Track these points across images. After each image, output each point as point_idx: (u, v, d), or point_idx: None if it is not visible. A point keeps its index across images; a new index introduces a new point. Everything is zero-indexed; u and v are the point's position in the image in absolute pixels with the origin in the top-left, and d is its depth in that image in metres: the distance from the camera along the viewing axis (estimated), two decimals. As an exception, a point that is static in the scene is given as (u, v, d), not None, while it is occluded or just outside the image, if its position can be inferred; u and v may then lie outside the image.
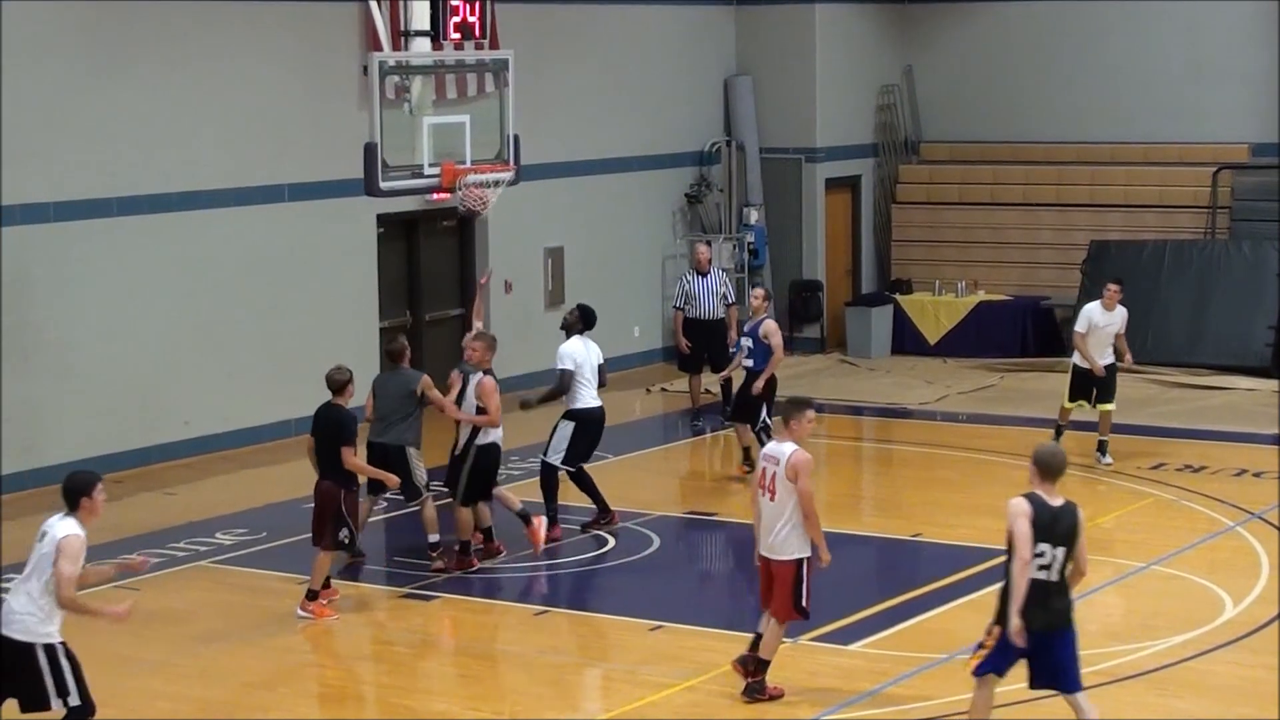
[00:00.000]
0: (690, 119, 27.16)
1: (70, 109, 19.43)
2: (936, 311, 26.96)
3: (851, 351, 26.88)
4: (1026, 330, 26.38)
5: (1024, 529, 10.71)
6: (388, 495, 16.45)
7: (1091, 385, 19.63)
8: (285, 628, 14.59)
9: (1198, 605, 14.73)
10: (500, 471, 16.47)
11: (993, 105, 28.32)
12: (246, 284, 21.15)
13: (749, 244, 27.07)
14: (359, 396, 15.66)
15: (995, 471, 19.73)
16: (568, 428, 17.10)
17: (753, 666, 12.61)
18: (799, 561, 12.40)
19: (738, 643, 13.22)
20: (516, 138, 16.89)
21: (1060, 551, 10.79)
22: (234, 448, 20.98)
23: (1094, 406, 19.69)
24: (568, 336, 17.24)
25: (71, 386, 19.46)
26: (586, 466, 17.38)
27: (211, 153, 20.80)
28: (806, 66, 27.37)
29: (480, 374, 15.91)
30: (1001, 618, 10.84)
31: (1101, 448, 19.67)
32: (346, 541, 14.94)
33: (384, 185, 15.91)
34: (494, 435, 15.99)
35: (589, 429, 17.17)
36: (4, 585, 14.91)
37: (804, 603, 12.45)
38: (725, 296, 22.08)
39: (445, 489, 16.50)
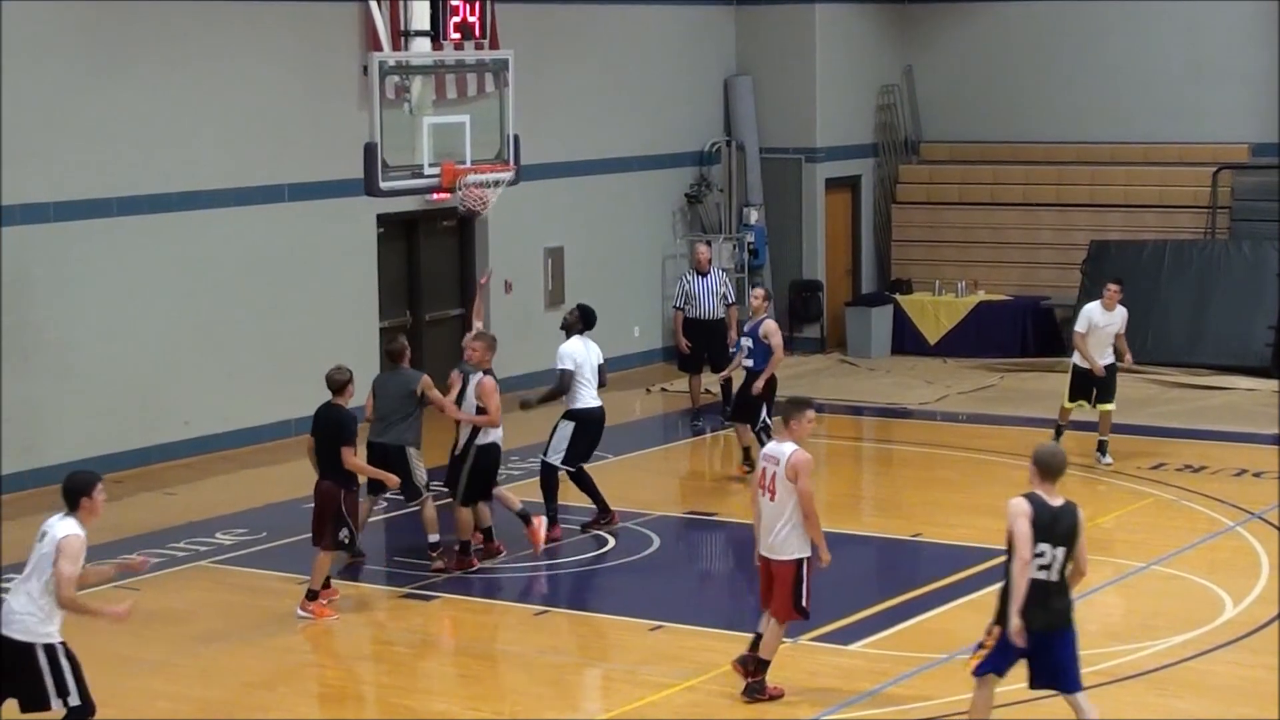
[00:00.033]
0: (690, 119, 27.16)
1: (70, 109, 19.43)
2: (936, 311, 26.96)
3: (851, 351, 26.88)
4: (1026, 330, 26.38)
5: (1024, 529, 10.71)
6: (388, 495, 16.45)
7: (1091, 385, 19.63)
8: (285, 628, 14.60)
9: (1198, 605, 14.73)
10: (500, 471, 16.47)
11: (993, 105, 28.32)
12: (246, 284, 21.15)
13: (749, 244, 27.07)
14: (359, 397, 15.66)
15: (995, 471, 19.73)
16: (568, 428, 17.10)
17: (752, 666, 12.60)
18: (799, 561, 12.40)
19: (738, 643, 13.22)
20: (516, 138, 16.89)
21: (1060, 551, 10.79)
22: (234, 448, 20.98)
23: (1094, 406, 19.69)
24: (568, 336, 17.24)
25: (71, 386, 19.46)
26: (586, 466, 17.38)
27: (211, 153, 20.80)
28: (806, 66, 27.37)
29: (480, 374, 15.91)
30: (1001, 618, 10.84)
31: (1101, 448, 19.67)
32: (346, 541, 14.94)
33: (384, 185, 15.91)
34: (494, 435, 15.99)
35: (589, 429, 17.17)
36: (4, 585, 14.95)
37: (804, 603, 12.45)
38: (725, 296, 22.08)
39: (445, 489, 16.51)
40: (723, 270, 23.53)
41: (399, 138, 15.95)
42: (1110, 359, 19.69)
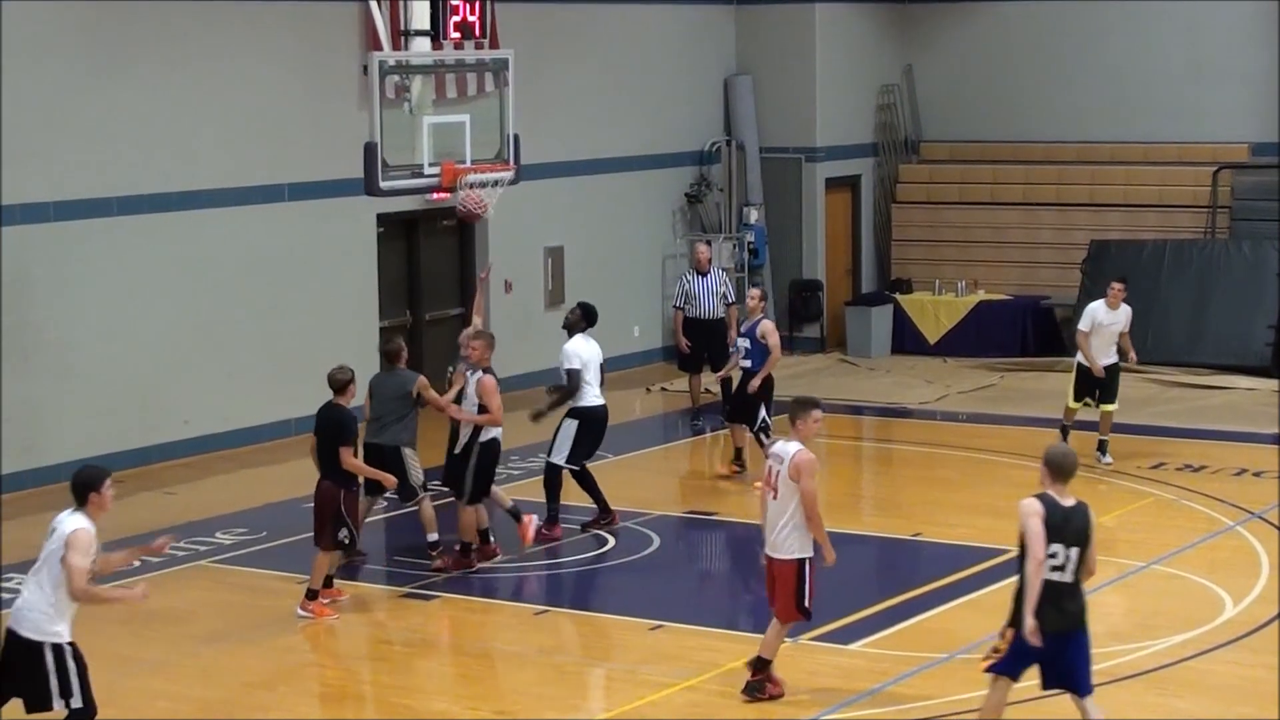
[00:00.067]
0: (690, 119, 27.16)
1: (70, 109, 19.43)
2: (936, 311, 26.96)
3: (851, 351, 26.88)
4: (1026, 330, 26.39)
5: (1036, 528, 10.69)
6: (386, 495, 16.45)
7: (1095, 385, 19.62)
8: (285, 628, 14.59)
9: (1198, 605, 14.73)
10: (499, 470, 16.47)
11: (993, 105, 28.32)
12: (246, 284, 21.15)
13: (749, 244, 27.08)
14: (358, 397, 15.65)
15: (995, 471, 19.73)
16: (571, 426, 17.10)
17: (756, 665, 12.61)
18: (800, 561, 12.39)
19: (738, 642, 13.22)
20: (516, 137, 16.89)
21: (1074, 552, 10.76)
22: (234, 448, 20.98)
23: (1096, 406, 19.68)
24: (570, 335, 17.24)
25: (71, 386, 19.46)
26: (586, 465, 17.38)
27: (211, 153, 20.80)
28: (806, 66, 27.37)
29: (480, 372, 15.91)
30: (1016, 619, 10.83)
31: (1102, 447, 19.66)
32: (346, 541, 14.92)
33: (384, 185, 15.90)
34: (494, 432, 15.99)
35: (593, 427, 17.17)
36: (4, 585, 14.96)
37: (806, 603, 12.44)
38: (725, 296, 22.07)
39: (444, 488, 16.51)
40: (723, 270, 23.53)
41: (399, 137, 15.94)
42: (1114, 358, 19.68)
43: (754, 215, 27.29)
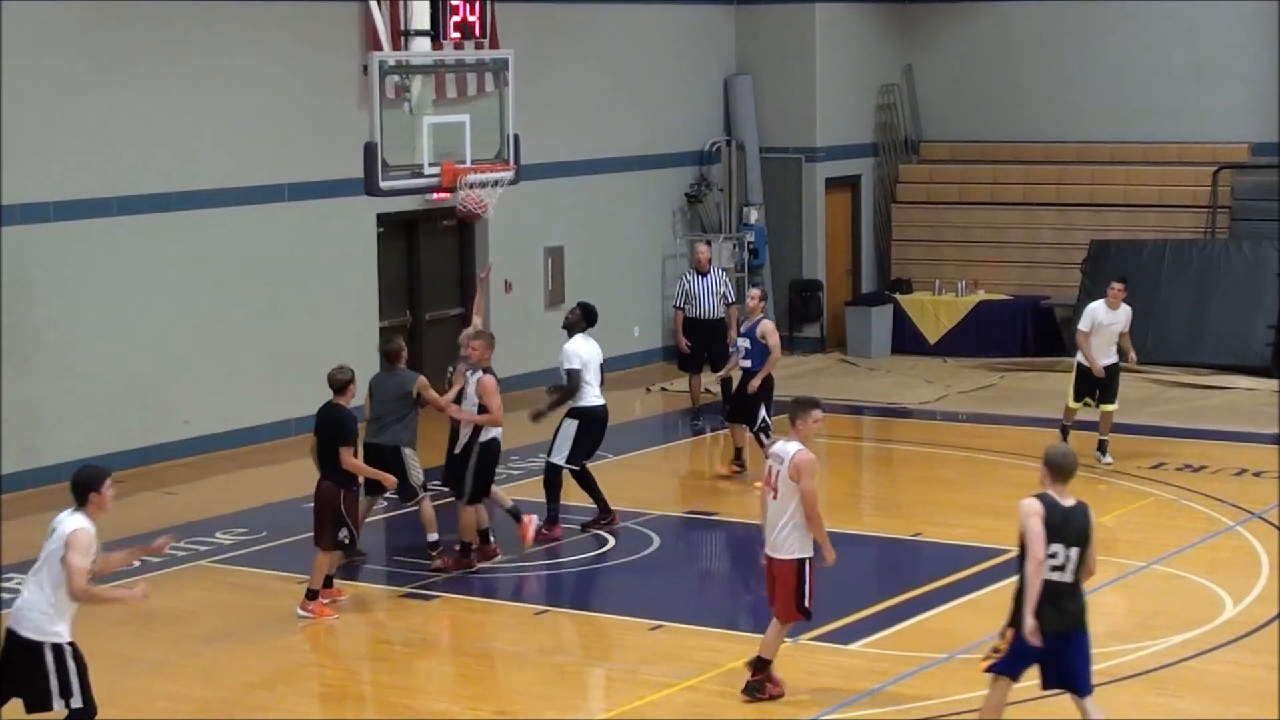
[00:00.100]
0: (690, 119, 27.16)
1: (70, 109, 19.43)
2: (936, 311, 26.96)
3: (851, 351, 26.88)
4: (1026, 330, 26.39)
5: (1036, 527, 10.69)
6: (386, 495, 16.44)
7: (1095, 385, 19.61)
8: (285, 628, 14.59)
9: (1198, 605, 14.73)
10: (498, 470, 16.47)
11: (993, 105, 28.32)
12: (246, 284, 21.15)
13: (749, 243, 27.08)
14: (358, 397, 15.65)
15: (995, 471, 19.72)
16: (571, 426, 17.10)
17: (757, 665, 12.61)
18: (800, 561, 12.39)
19: (738, 642, 13.22)
20: (516, 137, 16.89)
21: (1074, 552, 10.76)
22: (234, 448, 20.98)
23: (1096, 406, 19.68)
24: (570, 335, 17.24)
25: (71, 386, 19.46)
26: (586, 465, 17.38)
27: (211, 153, 20.80)
28: (806, 66, 27.38)
29: (480, 372, 15.91)
30: (1016, 619, 10.83)
31: (1101, 447, 19.66)
32: (346, 541, 14.92)
33: (384, 185, 15.90)
34: (494, 432, 15.99)
35: (593, 427, 17.17)
36: (4, 585, 14.96)
37: (806, 603, 12.44)
38: (725, 296, 22.07)
39: (444, 488, 16.51)
40: (723, 270, 23.53)
41: (399, 137, 15.94)
42: (1114, 358, 19.68)
43: (754, 215, 27.29)
